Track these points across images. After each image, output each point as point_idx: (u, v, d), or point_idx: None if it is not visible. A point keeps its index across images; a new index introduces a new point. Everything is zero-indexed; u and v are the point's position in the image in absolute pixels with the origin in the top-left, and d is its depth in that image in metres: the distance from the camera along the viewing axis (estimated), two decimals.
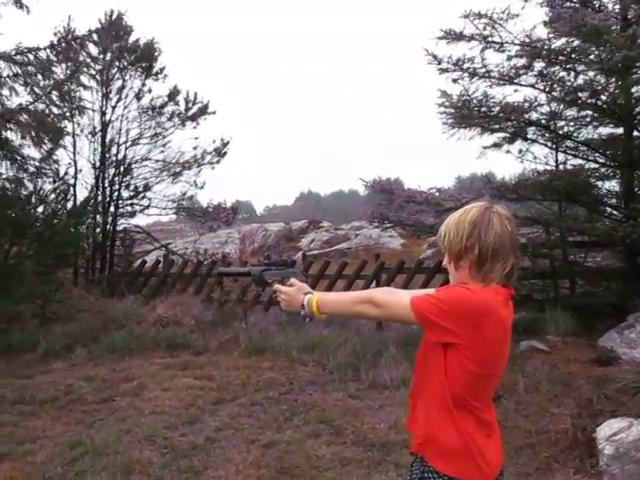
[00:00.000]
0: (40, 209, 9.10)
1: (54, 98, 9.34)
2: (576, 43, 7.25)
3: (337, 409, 4.89)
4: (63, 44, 9.23)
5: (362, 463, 3.82)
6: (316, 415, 4.73)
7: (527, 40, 7.38)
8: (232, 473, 3.73)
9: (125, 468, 3.80)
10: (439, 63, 7.67)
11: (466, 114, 7.67)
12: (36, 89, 8.73)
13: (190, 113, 12.13)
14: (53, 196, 9.34)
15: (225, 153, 12.53)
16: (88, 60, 10.89)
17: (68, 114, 10.67)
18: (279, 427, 4.52)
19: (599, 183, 8.23)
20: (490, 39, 7.53)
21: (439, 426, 1.65)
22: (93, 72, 11.23)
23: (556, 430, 4.06)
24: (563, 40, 7.31)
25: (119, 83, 11.61)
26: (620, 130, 7.80)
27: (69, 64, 9.48)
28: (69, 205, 9.69)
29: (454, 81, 7.78)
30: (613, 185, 8.28)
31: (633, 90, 7.06)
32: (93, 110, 11.37)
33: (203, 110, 12.27)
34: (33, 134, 8.79)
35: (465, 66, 7.61)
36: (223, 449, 4.12)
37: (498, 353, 1.67)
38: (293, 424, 4.58)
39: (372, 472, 3.68)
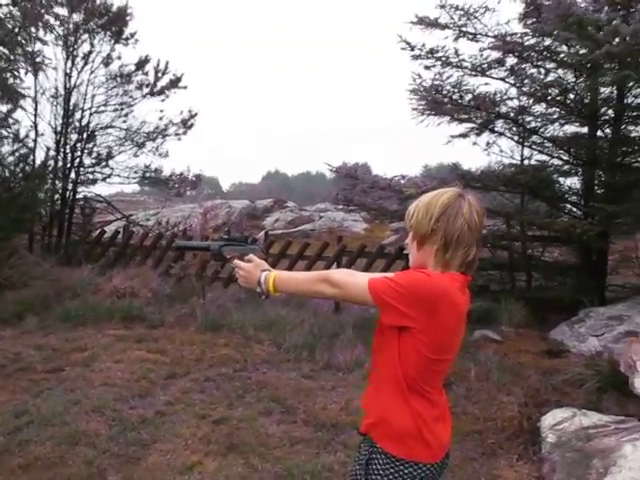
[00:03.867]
0: None
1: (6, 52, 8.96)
2: (547, 42, 7.33)
3: (290, 388, 4.89)
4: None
5: (311, 443, 3.84)
6: (268, 393, 4.72)
7: (500, 33, 7.43)
8: (180, 447, 3.70)
9: (71, 439, 3.73)
10: (412, 49, 7.67)
11: (438, 99, 7.70)
12: None
13: (159, 84, 11.84)
14: (11, 159, 9.05)
15: (192, 125, 12.31)
16: (53, 19, 10.49)
17: (27, 72, 10.32)
18: (230, 404, 4.50)
19: (561, 179, 8.42)
20: (464, 29, 7.56)
21: (390, 408, 1.66)
22: (59, 32, 10.85)
23: (503, 418, 4.16)
24: (535, 39, 7.39)
25: (87, 46, 11.23)
26: (585, 129, 7.96)
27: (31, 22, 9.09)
28: (28, 169, 9.38)
29: (426, 68, 7.80)
30: (574, 182, 8.49)
31: (602, 90, 7.19)
32: (54, 68, 10.98)
33: (174, 83, 11.98)
34: None
35: (438, 54, 7.63)
36: (173, 423, 4.08)
37: (451, 338, 1.67)
38: (245, 401, 4.57)
39: (321, 452, 3.70)
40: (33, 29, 9.86)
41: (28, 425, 3.90)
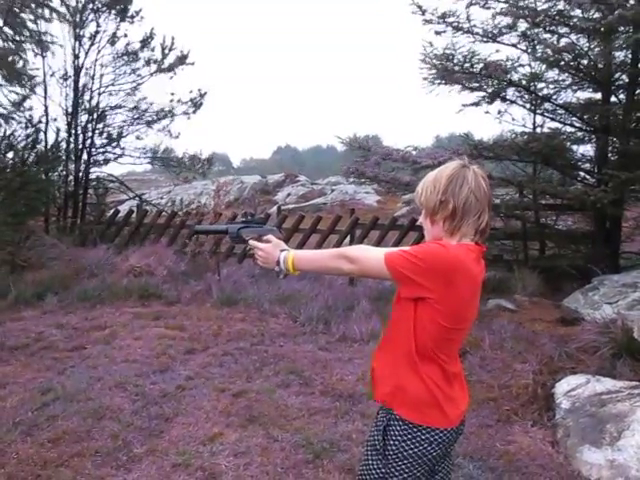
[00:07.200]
0: (10, 155, 8.88)
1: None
2: (560, 6, 7.19)
3: (307, 360, 4.97)
4: None
5: (329, 413, 3.92)
6: (286, 366, 4.81)
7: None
8: (202, 420, 3.80)
9: (96, 413, 3.84)
10: (423, 14, 7.56)
11: (449, 68, 7.61)
12: None
13: (166, 61, 11.80)
14: (23, 143, 9.10)
15: (201, 104, 12.31)
16: None
17: (36, 55, 10.32)
18: (249, 377, 4.59)
19: (574, 147, 8.32)
20: None
21: (407, 377, 1.71)
22: (65, 12, 10.81)
23: (517, 385, 4.20)
24: (547, 4, 7.25)
25: (93, 26, 11.20)
26: (598, 95, 7.84)
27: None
28: (40, 153, 9.44)
29: (437, 33, 7.68)
30: (587, 150, 8.39)
31: (617, 54, 7.07)
32: (61, 46, 10.96)
33: (182, 60, 11.94)
34: None
35: (449, 20, 7.51)
36: (193, 397, 4.18)
37: (467, 308, 1.71)
38: (263, 374, 4.66)
39: (339, 421, 3.78)
40: (39, 9, 9.82)
41: (54, 401, 4.02)
